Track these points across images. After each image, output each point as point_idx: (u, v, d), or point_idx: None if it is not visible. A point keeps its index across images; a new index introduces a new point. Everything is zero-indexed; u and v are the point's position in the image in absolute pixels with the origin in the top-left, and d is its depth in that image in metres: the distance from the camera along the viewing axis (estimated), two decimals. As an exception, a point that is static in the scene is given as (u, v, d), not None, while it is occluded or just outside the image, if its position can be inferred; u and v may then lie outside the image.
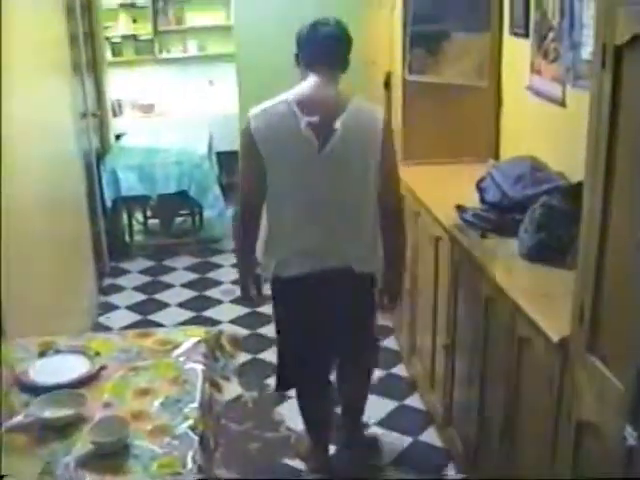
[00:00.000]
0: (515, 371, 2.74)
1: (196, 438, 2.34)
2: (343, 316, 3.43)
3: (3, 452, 2.29)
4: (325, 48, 3.30)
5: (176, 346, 2.87)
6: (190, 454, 2.25)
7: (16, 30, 3.92)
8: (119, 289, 6.24)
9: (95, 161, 6.29)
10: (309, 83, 3.27)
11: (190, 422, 2.41)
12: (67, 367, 2.76)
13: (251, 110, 3.24)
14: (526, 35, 4.03)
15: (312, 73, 3.27)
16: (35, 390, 2.63)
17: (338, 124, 3.14)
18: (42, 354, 2.90)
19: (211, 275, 6.44)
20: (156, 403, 2.52)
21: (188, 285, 6.22)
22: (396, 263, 3.48)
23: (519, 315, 2.65)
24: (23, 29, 4.10)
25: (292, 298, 3.43)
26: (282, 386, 3.73)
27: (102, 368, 2.76)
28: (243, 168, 3.32)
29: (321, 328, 3.43)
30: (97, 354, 2.85)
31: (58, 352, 2.92)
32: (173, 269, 6.59)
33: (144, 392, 2.59)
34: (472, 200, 3.61)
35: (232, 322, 5.46)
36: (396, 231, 3.40)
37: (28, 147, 4.02)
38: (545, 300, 2.64)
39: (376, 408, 4.31)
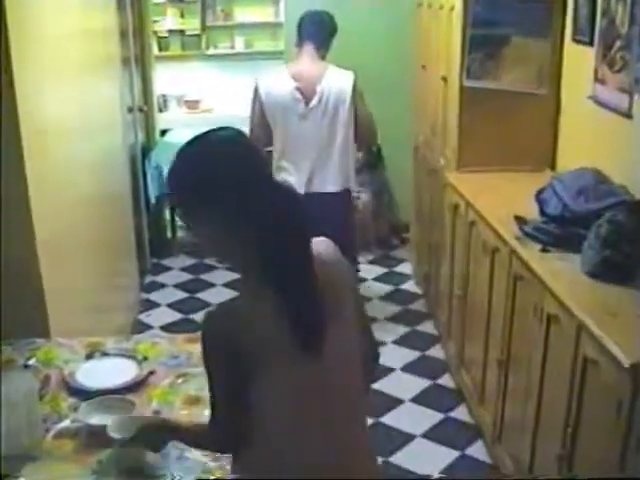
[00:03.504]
0: (578, 392, 2.63)
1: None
2: (326, 224, 4.35)
3: (50, 458, 2.24)
4: (310, 31, 4.59)
5: (227, 352, 2.80)
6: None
7: (69, 20, 3.89)
8: (160, 286, 6.20)
9: (140, 156, 6.25)
10: (300, 58, 4.60)
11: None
12: (114, 371, 2.71)
13: (258, 79, 4.55)
14: (590, 43, 3.90)
15: (302, 49, 4.59)
16: (82, 393, 2.58)
17: (318, 88, 4.46)
18: (89, 356, 2.84)
19: (253, 275, 6.35)
20: (206, 412, 2.42)
21: (230, 285, 6.12)
22: None
23: (585, 335, 2.54)
24: (76, 19, 4.07)
25: None
26: None
27: (150, 373, 2.70)
28: (252, 116, 4.61)
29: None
30: (145, 359, 2.80)
31: (105, 355, 2.86)
32: (215, 267, 6.50)
33: (194, 400, 2.52)
34: (529, 211, 3.49)
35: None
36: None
37: (77, 139, 3.98)
38: (612, 320, 2.53)
39: (422, 419, 4.24)
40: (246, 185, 1.79)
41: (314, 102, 4.47)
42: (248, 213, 1.77)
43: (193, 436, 2.10)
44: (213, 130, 1.95)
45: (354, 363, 1.94)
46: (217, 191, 1.78)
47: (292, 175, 4.50)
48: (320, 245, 1.93)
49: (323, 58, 4.61)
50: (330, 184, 4.59)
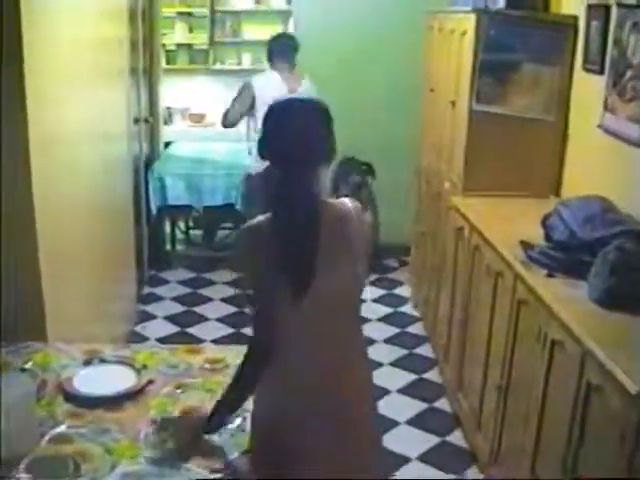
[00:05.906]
0: (580, 419, 2.60)
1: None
2: None
3: (46, 463, 2.20)
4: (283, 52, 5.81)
5: (226, 365, 2.76)
6: None
7: (81, 29, 3.89)
8: (157, 298, 6.17)
9: (144, 167, 6.23)
10: (282, 71, 5.74)
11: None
12: (112, 378, 2.68)
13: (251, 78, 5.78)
14: (600, 71, 3.91)
15: (278, 65, 5.78)
16: (79, 400, 2.55)
17: (299, 89, 5.59)
18: (87, 363, 2.82)
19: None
20: (204, 424, 2.41)
21: (227, 300, 6.11)
22: None
23: (590, 361, 2.52)
24: (88, 28, 4.07)
25: None
26: None
27: (149, 382, 2.67)
28: (236, 104, 5.81)
29: None
30: (144, 367, 2.77)
31: (103, 362, 2.83)
32: (213, 282, 6.49)
33: (193, 411, 2.49)
34: (534, 236, 3.48)
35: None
36: None
37: (83, 147, 3.96)
38: (619, 348, 2.51)
39: (417, 442, 4.20)
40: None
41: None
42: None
43: (231, 392, 2.32)
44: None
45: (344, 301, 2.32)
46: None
47: None
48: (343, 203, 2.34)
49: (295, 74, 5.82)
50: None
